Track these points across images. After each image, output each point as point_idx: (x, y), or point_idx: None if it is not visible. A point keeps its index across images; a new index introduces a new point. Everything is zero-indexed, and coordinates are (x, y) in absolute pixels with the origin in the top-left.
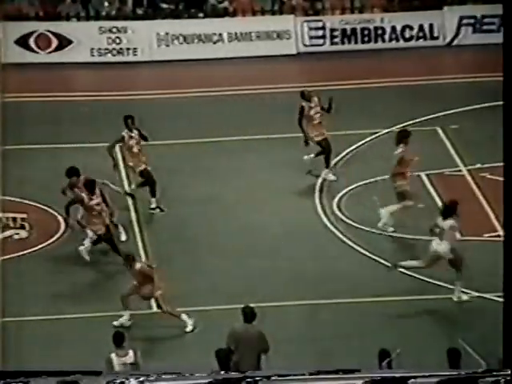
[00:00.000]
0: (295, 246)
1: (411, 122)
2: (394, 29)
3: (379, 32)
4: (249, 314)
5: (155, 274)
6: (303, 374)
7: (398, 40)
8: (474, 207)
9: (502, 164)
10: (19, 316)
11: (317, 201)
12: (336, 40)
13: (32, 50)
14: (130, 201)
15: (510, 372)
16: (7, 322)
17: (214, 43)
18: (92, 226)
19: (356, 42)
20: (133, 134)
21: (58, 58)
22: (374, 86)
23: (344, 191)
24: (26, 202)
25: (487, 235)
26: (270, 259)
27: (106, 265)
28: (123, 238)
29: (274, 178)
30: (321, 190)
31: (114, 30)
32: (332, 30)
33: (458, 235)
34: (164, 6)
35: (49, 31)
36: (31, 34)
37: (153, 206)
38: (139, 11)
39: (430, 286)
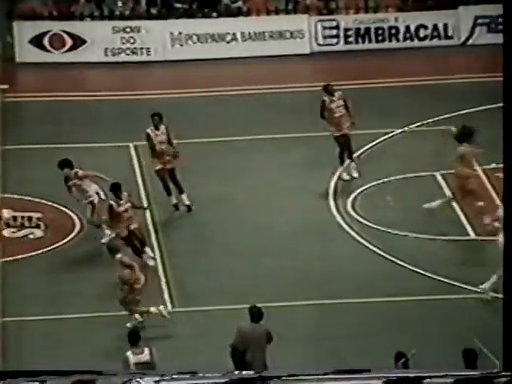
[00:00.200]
0: (307, 245)
1: (425, 121)
2: (408, 28)
3: (393, 31)
4: (256, 314)
5: (136, 268)
6: (319, 374)
7: (412, 39)
8: (489, 207)
9: None
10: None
11: (331, 200)
12: (350, 39)
13: (46, 50)
14: (144, 199)
15: (510, 373)
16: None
17: (228, 43)
18: (115, 229)
19: (370, 42)
20: (158, 133)
21: (72, 57)
22: (388, 85)
23: (358, 191)
24: (43, 201)
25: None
26: (280, 259)
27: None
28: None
29: (287, 177)
30: (335, 190)
31: (128, 29)
32: (346, 30)
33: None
34: (178, 5)
35: (63, 31)
36: (45, 33)
37: (187, 202)
38: (153, 11)
39: (445, 286)
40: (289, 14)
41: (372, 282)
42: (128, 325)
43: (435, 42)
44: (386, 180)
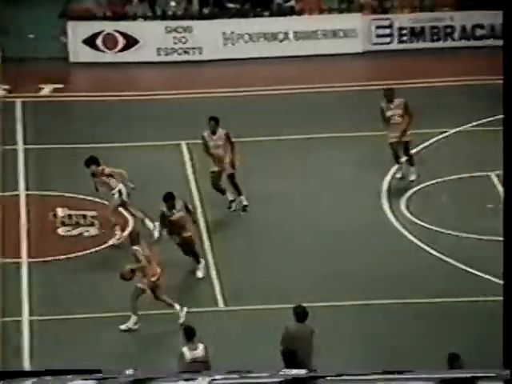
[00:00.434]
0: (358, 244)
1: (480, 121)
2: (463, 28)
3: (448, 31)
4: (300, 314)
5: (153, 260)
6: (372, 374)
7: (468, 39)
8: None
9: None
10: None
11: (384, 200)
12: (404, 38)
13: (99, 50)
14: (197, 199)
15: (510, 372)
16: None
17: (280, 42)
18: (170, 236)
19: (424, 41)
20: (214, 137)
21: (125, 57)
22: (443, 84)
23: (412, 190)
24: (97, 199)
25: None
26: (329, 259)
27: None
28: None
29: (341, 176)
30: (389, 190)
31: (180, 29)
32: (400, 29)
33: None
34: (230, 5)
35: (116, 31)
36: (99, 33)
37: (245, 203)
38: (205, 11)
39: (499, 287)
40: (342, 13)
41: (425, 282)
42: (180, 321)
43: (491, 41)
44: (440, 180)
